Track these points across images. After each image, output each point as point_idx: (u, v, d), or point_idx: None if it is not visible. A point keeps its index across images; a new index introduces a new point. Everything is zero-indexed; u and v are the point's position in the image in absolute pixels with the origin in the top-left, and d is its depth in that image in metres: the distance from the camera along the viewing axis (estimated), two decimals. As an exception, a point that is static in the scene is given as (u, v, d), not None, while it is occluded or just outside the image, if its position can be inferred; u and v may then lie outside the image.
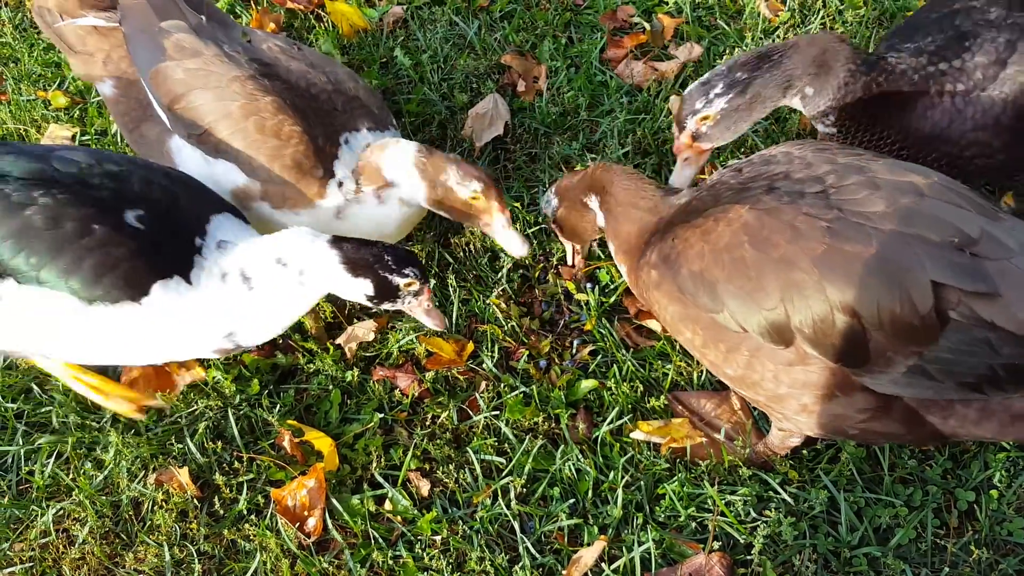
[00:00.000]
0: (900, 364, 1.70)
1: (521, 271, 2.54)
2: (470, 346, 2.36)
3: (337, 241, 2.00)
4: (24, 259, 1.85)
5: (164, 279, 1.93)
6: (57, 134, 2.88)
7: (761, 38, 3.09)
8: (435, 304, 2.18)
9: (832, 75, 2.08)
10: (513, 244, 2.24)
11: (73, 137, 2.89)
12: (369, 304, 2.07)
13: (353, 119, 2.32)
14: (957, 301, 1.62)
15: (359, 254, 1.99)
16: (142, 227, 1.92)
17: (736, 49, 3.09)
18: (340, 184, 2.26)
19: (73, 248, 1.85)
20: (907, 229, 1.65)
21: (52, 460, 2.17)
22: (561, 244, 2.49)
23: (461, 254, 2.57)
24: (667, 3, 3.29)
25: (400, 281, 2.01)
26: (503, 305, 2.42)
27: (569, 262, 2.46)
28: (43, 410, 2.27)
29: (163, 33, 2.24)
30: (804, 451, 2.15)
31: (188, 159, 2.28)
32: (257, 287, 2.00)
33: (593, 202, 2.15)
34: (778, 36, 3.11)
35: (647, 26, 3.21)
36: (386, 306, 2.08)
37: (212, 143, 2.21)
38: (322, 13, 3.31)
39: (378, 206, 2.28)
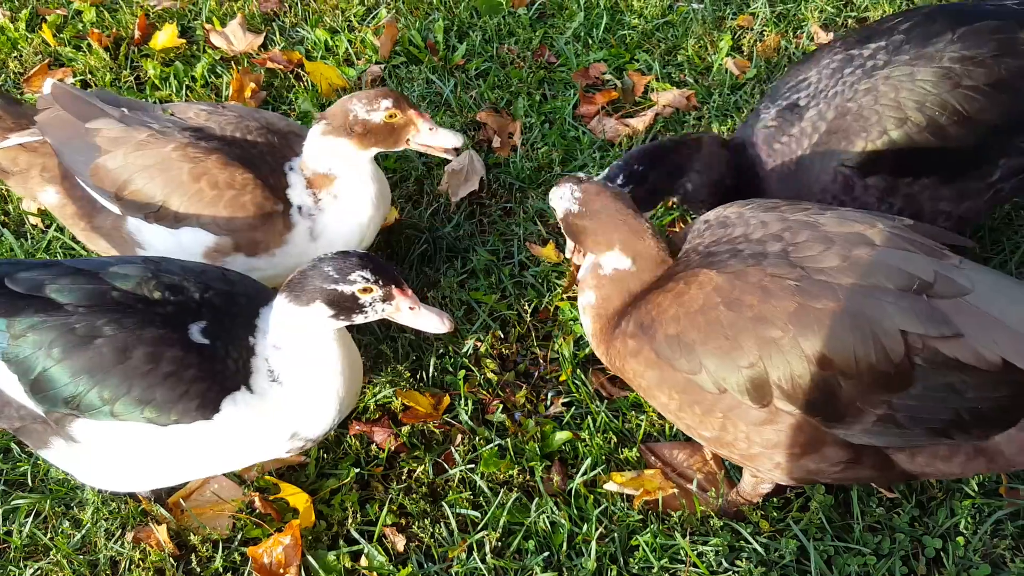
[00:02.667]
0: (871, 414, 1.75)
1: (499, 323, 2.59)
2: (446, 400, 2.39)
3: (287, 283, 1.92)
4: (97, 395, 1.82)
5: (232, 393, 1.90)
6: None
7: (728, 94, 3.19)
8: (424, 305, 1.97)
9: (712, 173, 2.35)
10: (446, 139, 2.31)
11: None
12: (344, 322, 1.92)
13: (290, 148, 2.39)
14: (922, 347, 1.69)
15: (297, 280, 1.88)
16: (207, 341, 1.89)
17: (705, 106, 3.18)
18: (300, 208, 2.33)
19: (145, 379, 1.82)
20: (865, 281, 1.72)
21: (30, 519, 2.18)
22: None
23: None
24: (637, 60, 3.39)
25: (351, 289, 1.86)
26: (486, 348, 2.47)
27: (569, 254, 2.29)
28: (21, 468, 2.28)
29: (91, 132, 2.31)
30: (774, 499, 2.19)
31: (150, 236, 2.33)
32: (283, 380, 1.96)
33: (623, 262, 1.97)
34: (745, 91, 3.21)
35: (618, 83, 3.31)
36: (365, 319, 1.92)
37: (171, 215, 2.27)
38: (301, 73, 3.40)
39: (336, 206, 2.34)
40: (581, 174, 2.09)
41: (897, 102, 2.18)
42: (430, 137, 2.30)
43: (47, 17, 3.68)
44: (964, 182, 2.25)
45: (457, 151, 2.42)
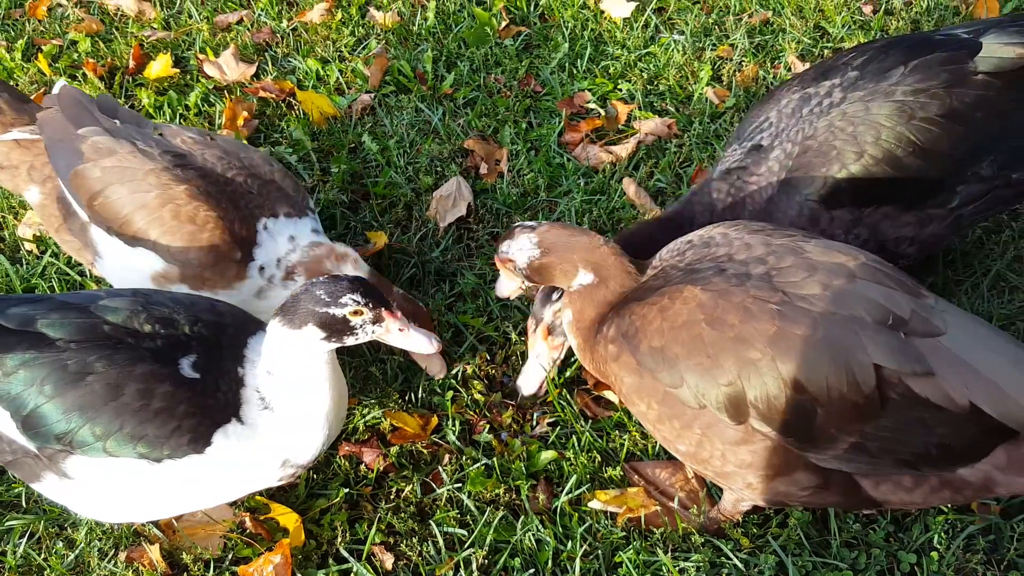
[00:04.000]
0: (843, 441, 1.81)
1: (486, 345, 2.65)
2: (434, 420, 2.45)
3: (280, 308, 1.95)
4: (89, 431, 1.85)
5: (223, 426, 1.94)
6: (34, 220, 2.98)
7: (708, 122, 3.28)
8: (413, 326, 2.02)
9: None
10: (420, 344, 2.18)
11: (50, 222, 2.98)
12: (335, 344, 1.95)
13: (270, 204, 2.43)
14: (897, 381, 1.75)
15: (289, 304, 1.91)
16: (198, 376, 1.93)
17: (686, 134, 3.27)
18: (261, 268, 2.38)
19: (136, 415, 1.85)
20: (844, 311, 1.78)
21: (24, 540, 2.22)
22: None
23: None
24: (620, 90, 3.48)
25: (342, 312, 1.90)
26: (474, 370, 2.52)
27: (503, 294, 2.38)
28: (16, 490, 2.32)
29: (79, 139, 2.38)
30: (754, 516, 2.25)
31: (109, 248, 2.40)
32: (274, 403, 2.00)
33: (586, 277, 2.08)
34: (724, 120, 3.31)
35: (602, 112, 3.40)
36: (356, 341, 1.96)
37: (130, 232, 2.33)
38: (293, 101, 3.47)
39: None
40: (522, 223, 2.17)
41: (855, 137, 2.27)
42: (434, 366, 2.44)
43: (43, 47, 3.75)
44: (924, 209, 2.34)
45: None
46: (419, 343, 2.01)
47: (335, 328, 1.91)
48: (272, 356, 1.96)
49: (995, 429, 1.77)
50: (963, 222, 2.40)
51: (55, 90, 2.53)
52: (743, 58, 3.58)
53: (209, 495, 2.04)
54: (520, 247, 2.12)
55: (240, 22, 3.90)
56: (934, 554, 2.16)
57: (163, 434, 1.87)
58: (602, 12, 3.84)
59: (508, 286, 2.32)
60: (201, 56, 3.67)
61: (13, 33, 3.90)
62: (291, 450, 2.03)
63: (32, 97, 3.47)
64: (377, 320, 1.94)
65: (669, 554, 2.15)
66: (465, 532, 2.21)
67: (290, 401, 1.99)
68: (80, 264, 2.85)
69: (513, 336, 2.65)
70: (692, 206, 2.47)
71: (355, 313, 1.90)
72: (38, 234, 2.96)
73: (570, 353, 2.45)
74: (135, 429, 1.85)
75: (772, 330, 1.78)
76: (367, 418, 2.45)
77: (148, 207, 2.29)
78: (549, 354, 2.38)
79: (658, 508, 2.27)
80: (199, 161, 2.41)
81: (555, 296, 2.30)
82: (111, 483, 1.93)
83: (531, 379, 2.41)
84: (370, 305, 1.91)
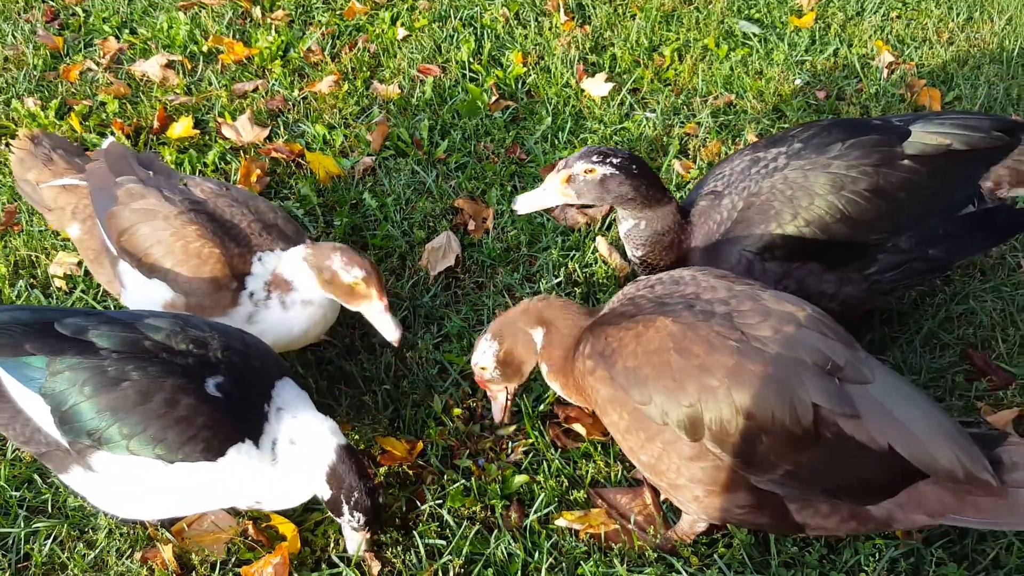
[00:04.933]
0: (781, 467, 2.07)
1: (468, 381, 2.94)
2: (420, 445, 2.73)
3: (343, 449, 2.27)
4: (117, 430, 2.09)
5: (237, 443, 2.20)
6: (64, 260, 3.29)
7: (674, 190, 3.64)
8: (369, 546, 2.42)
9: (665, 223, 2.77)
10: (388, 328, 2.60)
11: (79, 263, 3.30)
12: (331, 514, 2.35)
13: (270, 242, 2.72)
14: (830, 420, 2.02)
15: (344, 470, 2.25)
16: (220, 395, 2.18)
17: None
18: (251, 295, 2.66)
19: (160, 420, 2.10)
20: (791, 354, 2.05)
21: (49, 541, 2.47)
22: (488, 405, 2.81)
23: (415, 366, 2.98)
24: (598, 159, 3.84)
25: (345, 514, 2.29)
26: (457, 402, 2.82)
27: (498, 419, 2.67)
28: (43, 497, 2.58)
29: (117, 185, 2.73)
30: (703, 538, 2.52)
31: (132, 280, 2.71)
32: (280, 462, 2.28)
33: (538, 334, 2.44)
34: (689, 188, 3.67)
35: (581, 178, 3.75)
36: (336, 519, 2.35)
37: (148, 265, 2.64)
38: (302, 161, 3.82)
39: (283, 311, 2.66)
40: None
41: (792, 200, 2.59)
42: (378, 317, 2.61)
43: (74, 107, 4.11)
44: (845, 271, 2.65)
45: (395, 343, 2.67)
46: (352, 547, 2.41)
47: (334, 508, 2.30)
48: (304, 458, 2.27)
49: (906, 472, 2.06)
50: (882, 287, 2.71)
51: (104, 145, 2.89)
52: (707, 135, 3.97)
53: (207, 501, 2.30)
54: (484, 350, 2.47)
55: (255, 90, 4.28)
56: (863, 575, 2.43)
57: (180, 440, 2.12)
58: (583, 91, 4.24)
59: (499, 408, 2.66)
60: (219, 119, 4.03)
61: (48, 93, 4.27)
62: (267, 498, 2.33)
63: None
64: (357, 530, 2.35)
65: (625, 566, 2.42)
66: (444, 543, 2.47)
67: (287, 472, 2.29)
68: (104, 299, 3.15)
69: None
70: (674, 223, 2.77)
71: (349, 521, 2.31)
72: (68, 272, 3.27)
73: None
74: (157, 432, 2.11)
75: (731, 363, 2.05)
76: (359, 442, 2.73)
77: (163, 243, 2.61)
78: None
79: (618, 527, 2.54)
80: (211, 207, 2.73)
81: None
82: (129, 479, 2.18)
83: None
84: (362, 527, 2.32)
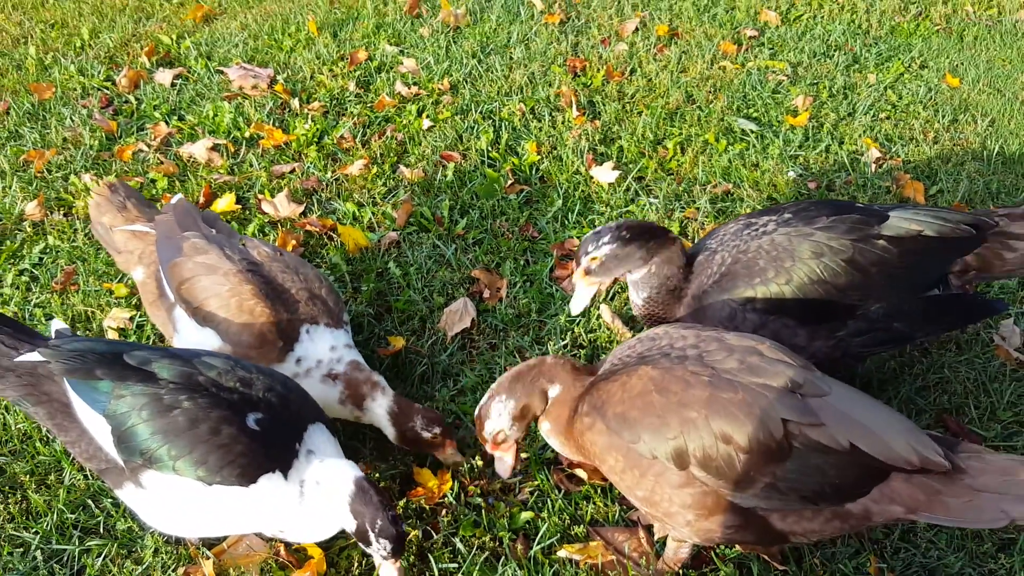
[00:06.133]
0: (760, 482, 2.33)
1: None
2: (448, 478, 2.99)
3: (363, 481, 2.48)
4: (166, 451, 2.36)
5: (269, 473, 2.45)
6: (118, 315, 3.64)
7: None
8: (403, 574, 2.60)
9: (671, 267, 3.07)
10: (454, 461, 3.01)
11: (131, 318, 3.64)
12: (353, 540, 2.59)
13: (314, 313, 3.04)
14: (798, 432, 2.30)
15: (367, 499, 2.46)
16: (258, 429, 2.43)
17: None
18: (298, 360, 2.98)
19: (204, 445, 2.36)
20: (757, 379, 2.35)
21: (100, 559, 2.74)
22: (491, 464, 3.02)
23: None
24: (604, 238, 4.21)
25: (371, 542, 2.47)
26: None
27: (507, 476, 2.77)
28: (95, 520, 2.86)
29: (183, 238, 3.09)
30: (692, 572, 2.76)
31: (186, 325, 3.02)
32: (306, 500, 2.51)
33: (555, 390, 2.61)
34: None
35: (588, 254, 4.11)
36: (363, 547, 2.53)
37: (203, 314, 2.96)
38: (333, 235, 4.20)
39: (326, 390, 2.98)
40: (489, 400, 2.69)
41: (776, 260, 2.91)
42: (452, 457, 3.00)
43: (128, 183, 4.53)
44: (816, 329, 2.96)
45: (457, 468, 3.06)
46: None
47: (362, 537, 2.51)
48: (328, 494, 2.49)
49: (871, 471, 2.34)
50: (851, 349, 3.00)
51: (172, 201, 3.27)
52: (705, 219, 4.34)
53: (239, 524, 2.54)
54: (499, 412, 2.61)
55: (292, 171, 4.70)
56: (837, 606, 2.66)
57: (220, 465, 2.39)
58: (591, 177, 4.65)
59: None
60: (259, 196, 4.44)
61: (103, 171, 4.70)
62: (291, 530, 2.58)
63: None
64: (387, 558, 2.54)
65: (620, 591, 2.66)
66: (456, 567, 2.73)
67: (312, 510, 2.52)
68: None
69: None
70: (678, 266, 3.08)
71: (379, 548, 2.50)
72: (121, 327, 3.61)
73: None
74: (200, 456, 2.37)
75: (706, 395, 2.34)
76: (380, 479, 3.00)
77: (220, 296, 2.94)
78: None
79: (614, 559, 2.79)
80: (266, 270, 3.07)
81: (590, 248, 2.97)
82: (173, 497, 2.46)
83: (579, 303, 3.06)
84: (389, 555, 2.51)
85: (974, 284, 3.09)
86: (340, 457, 2.62)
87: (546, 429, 2.70)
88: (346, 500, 2.48)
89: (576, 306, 3.15)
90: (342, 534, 2.83)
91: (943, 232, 2.95)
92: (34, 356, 2.56)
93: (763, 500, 2.37)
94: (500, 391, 2.61)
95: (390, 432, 2.96)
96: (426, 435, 2.91)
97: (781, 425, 2.28)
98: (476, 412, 2.66)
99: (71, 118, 5.17)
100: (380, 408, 2.96)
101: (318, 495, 2.52)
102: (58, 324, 2.78)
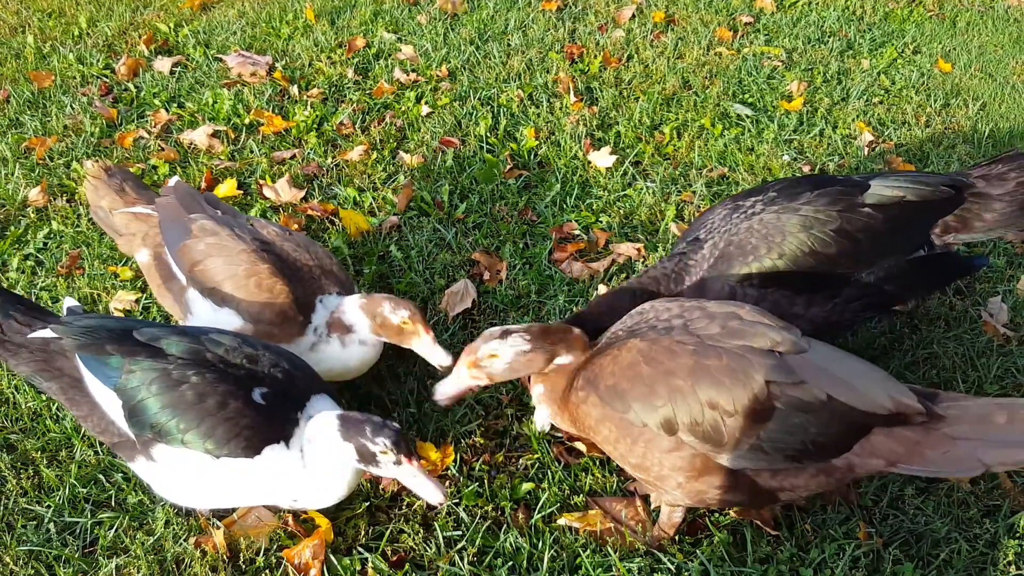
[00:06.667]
0: (745, 443, 2.42)
1: (482, 405, 3.30)
2: (450, 451, 3.07)
3: (343, 413, 2.50)
4: (175, 425, 2.42)
5: (272, 444, 2.51)
6: (124, 298, 3.71)
7: (670, 248, 4.06)
8: (428, 476, 2.50)
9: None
10: (439, 356, 2.98)
11: (136, 300, 3.71)
12: (362, 467, 2.53)
13: (327, 285, 3.12)
14: (780, 393, 2.38)
15: (350, 421, 2.46)
16: (264, 403, 2.49)
17: (651, 256, 4.05)
18: (315, 330, 3.05)
19: (212, 419, 2.42)
20: (739, 342, 2.44)
21: (113, 530, 2.81)
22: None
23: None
24: (601, 222, 4.29)
25: (375, 448, 2.44)
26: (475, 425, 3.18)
27: (442, 396, 2.74)
28: (107, 494, 2.93)
29: (191, 220, 3.13)
30: (687, 537, 2.85)
31: (200, 307, 3.07)
32: (307, 462, 2.55)
33: (564, 359, 2.66)
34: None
35: (585, 237, 4.18)
36: (378, 472, 2.50)
37: (219, 295, 3.00)
38: (334, 219, 4.27)
39: (341, 349, 3.05)
40: (499, 328, 2.69)
41: (767, 238, 3.00)
42: (428, 348, 2.97)
43: (129, 169, 4.58)
44: (812, 297, 3.04)
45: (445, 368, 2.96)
46: (426, 490, 2.51)
47: (366, 457, 2.48)
48: (321, 440, 2.51)
49: (852, 427, 2.42)
50: (845, 315, 3.10)
51: (171, 183, 3.32)
52: (701, 201, 4.42)
53: (248, 495, 2.61)
54: (512, 344, 2.61)
55: (293, 158, 4.76)
56: (828, 571, 2.74)
57: (226, 437, 2.46)
58: (589, 162, 4.72)
59: (543, 417, 2.88)
60: (260, 182, 4.50)
61: (104, 157, 4.76)
62: (302, 496, 2.63)
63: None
64: (398, 462, 2.48)
65: (618, 555, 2.74)
66: (460, 534, 2.81)
67: (318, 470, 2.58)
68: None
69: (504, 400, 3.32)
70: (649, 278, 3.17)
71: (383, 453, 2.46)
72: (127, 308, 3.68)
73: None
74: (208, 429, 2.43)
75: (691, 363, 2.42)
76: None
77: (237, 276, 2.99)
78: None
79: (612, 527, 2.87)
80: (279, 248, 3.14)
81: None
82: (182, 469, 2.53)
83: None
84: (395, 450, 2.45)
85: (955, 245, 3.18)
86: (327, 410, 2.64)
87: (539, 393, 2.76)
88: (337, 436, 2.48)
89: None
90: (348, 503, 2.91)
91: (924, 195, 3.06)
92: (46, 332, 2.63)
93: (749, 461, 2.46)
94: (527, 334, 2.63)
95: (365, 324, 2.99)
96: (394, 319, 2.93)
97: (765, 387, 2.37)
98: (488, 330, 2.69)
99: (71, 106, 5.22)
100: (353, 307, 3.00)
101: (315, 451, 2.55)
102: (70, 302, 2.85)
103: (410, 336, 3.00)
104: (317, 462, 2.58)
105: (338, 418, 2.52)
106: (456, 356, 2.77)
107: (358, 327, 3.03)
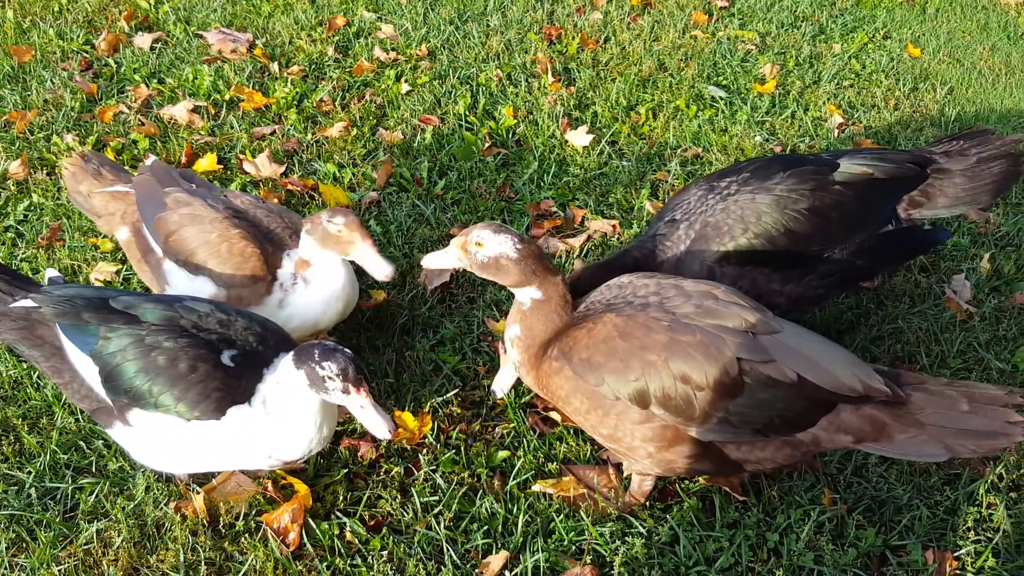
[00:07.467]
0: (714, 417, 2.51)
1: (459, 376, 3.36)
2: (428, 419, 3.13)
3: (300, 346, 2.50)
4: (149, 388, 2.47)
5: (238, 404, 2.54)
6: (104, 269, 3.74)
7: (644, 225, 4.14)
8: (378, 410, 2.49)
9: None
10: (379, 266, 2.91)
11: (117, 272, 3.74)
12: (317, 394, 2.50)
13: (296, 241, 3.12)
14: (750, 369, 2.46)
15: (304, 348, 2.47)
16: (232, 365, 2.54)
17: (626, 232, 4.12)
18: (282, 285, 3.08)
19: (183, 382, 2.47)
20: (713, 320, 2.51)
21: (92, 496, 2.86)
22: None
23: (413, 364, 3.41)
24: (577, 199, 4.35)
25: (322, 373, 2.42)
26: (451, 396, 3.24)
27: (388, 270, 2.85)
28: (87, 460, 2.97)
29: (165, 195, 3.16)
30: (658, 504, 2.93)
31: (176, 277, 3.12)
32: (270, 409, 2.56)
33: (534, 294, 2.64)
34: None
35: (562, 214, 4.25)
36: (328, 398, 2.49)
37: (193, 264, 3.05)
38: (315, 194, 4.31)
39: (305, 288, 3.06)
40: (500, 224, 2.68)
41: (742, 218, 3.07)
42: (368, 258, 2.92)
43: (109, 143, 4.60)
44: (789, 274, 3.12)
45: (388, 280, 2.98)
46: (374, 422, 2.51)
47: (315, 381, 2.47)
48: (281, 377, 2.55)
49: (817, 403, 2.51)
50: (820, 290, 3.19)
51: (147, 163, 3.35)
52: (676, 180, 4.49)
53: (221, 458, 2.65)
54: (502, 241, 2.57)
55: (273, 134, 4.79)
56: (793, 535, 2.84)
57: (197, 400, 2.50)
58: (566, 141, 4.78)
59: (506, 380, 2.99)
60: (241, 156, 4.53)
61: (84, 131, 4.76)
62: (276, 448, 2.64)
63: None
64: (346, 392, 2.48)
65: (590, 519, 2.83)
66: (436, 499, 2.88)
67: (281, 414, 2.57)
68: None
69: (481, 371, 3.39)
70: (625, 257, 3.22)
71: (328, 379, 2.46)
72: (107, 280, 3.71)
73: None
74: (179, 393, 2.48)
75: (665, 339, 2.50)
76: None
77: (209, 243, 3.03)
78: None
79: (585, 492, 2.95)
80: (251, 215, 3.18)
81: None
82: (157, 433, 2.58)
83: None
84: (340, 378, 2.45)
85: (920, 221, 3.28)
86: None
87: (513, 335, 2.75)
88: (291, 366, 2.49)
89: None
90: (327, 470, 2.97)
91: (891, 172, 3.15)
92: (28, 302, 2.66)
93: (718, 434, 2.54)
94: (521, 243, 2.59)
95: (312, 244, 2.97)
96: (331, 228, 2.89)
97: (736, 364, 2.44)
98: (489, 220, 2.65)
99: (51, 80, 5.20)
100: (304, 235, 3.00)
101: (277, 395, 2.55)
102: (52, 272, 2.89)
103: (348, 245, 2.96)
104: (280, 407, 2.58)
105: (294, 353, 2.52)
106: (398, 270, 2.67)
107: (310, 253, 3.02)
